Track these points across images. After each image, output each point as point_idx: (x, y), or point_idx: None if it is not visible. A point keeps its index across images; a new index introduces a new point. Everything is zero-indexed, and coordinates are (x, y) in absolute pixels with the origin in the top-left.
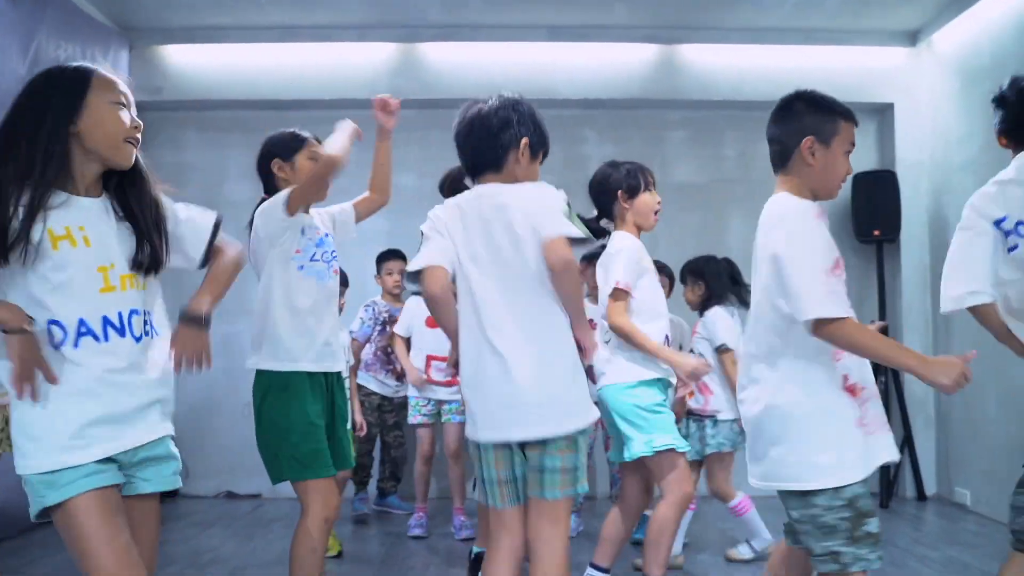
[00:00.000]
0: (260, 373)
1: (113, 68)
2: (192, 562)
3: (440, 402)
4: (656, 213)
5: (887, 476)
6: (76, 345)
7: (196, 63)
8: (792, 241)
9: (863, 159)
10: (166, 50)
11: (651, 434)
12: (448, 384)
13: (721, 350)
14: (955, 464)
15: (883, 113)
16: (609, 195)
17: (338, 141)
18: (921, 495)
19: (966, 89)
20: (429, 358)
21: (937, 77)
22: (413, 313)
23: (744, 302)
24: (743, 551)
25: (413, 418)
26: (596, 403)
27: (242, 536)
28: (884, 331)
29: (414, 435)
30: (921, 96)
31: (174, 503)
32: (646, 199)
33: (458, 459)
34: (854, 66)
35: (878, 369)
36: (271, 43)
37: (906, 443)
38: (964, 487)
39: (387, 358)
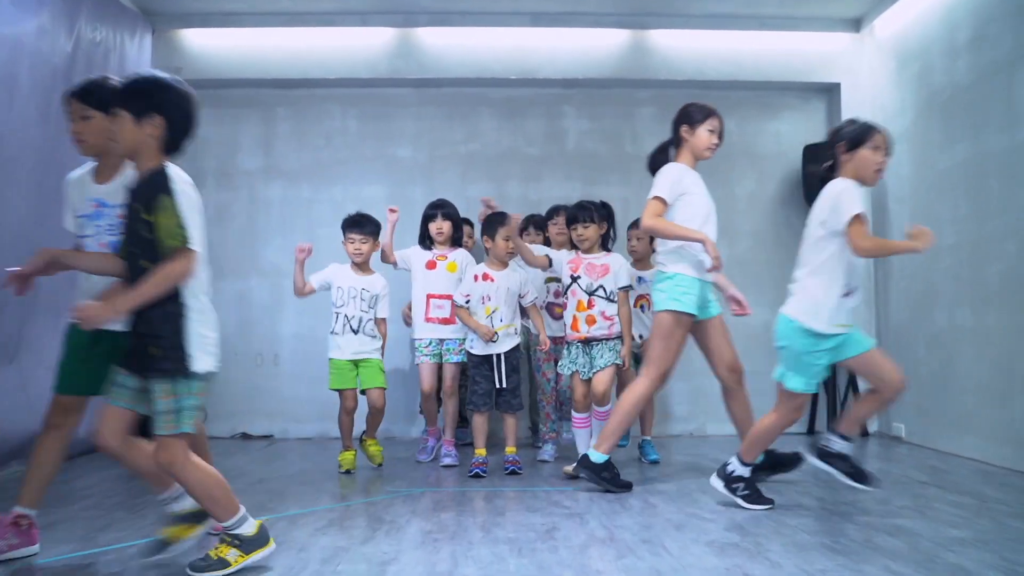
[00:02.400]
0: None
1: (138, 50)
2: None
3: (441, 341)
4: (878, 171)
5: (835, 415)
6: None
7: (212, 45)
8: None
9: (813, 133)
10: (185, 33)
11: None
12: (446, 322)
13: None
14: None
15: (831, 92)
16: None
17: None
18: (864, 432)
19: (900, 69)
20: (429, 296)
21: (877, 59)
22: (412, 259)
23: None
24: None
25: (417, 358)
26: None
27: (260, 462)
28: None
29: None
30: (863, 76)
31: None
32: (864, 154)
33: (452, 396)
34: (804, 50)
35: None
36: (280, 27)
37: (850, 385)
38: (899, 422)
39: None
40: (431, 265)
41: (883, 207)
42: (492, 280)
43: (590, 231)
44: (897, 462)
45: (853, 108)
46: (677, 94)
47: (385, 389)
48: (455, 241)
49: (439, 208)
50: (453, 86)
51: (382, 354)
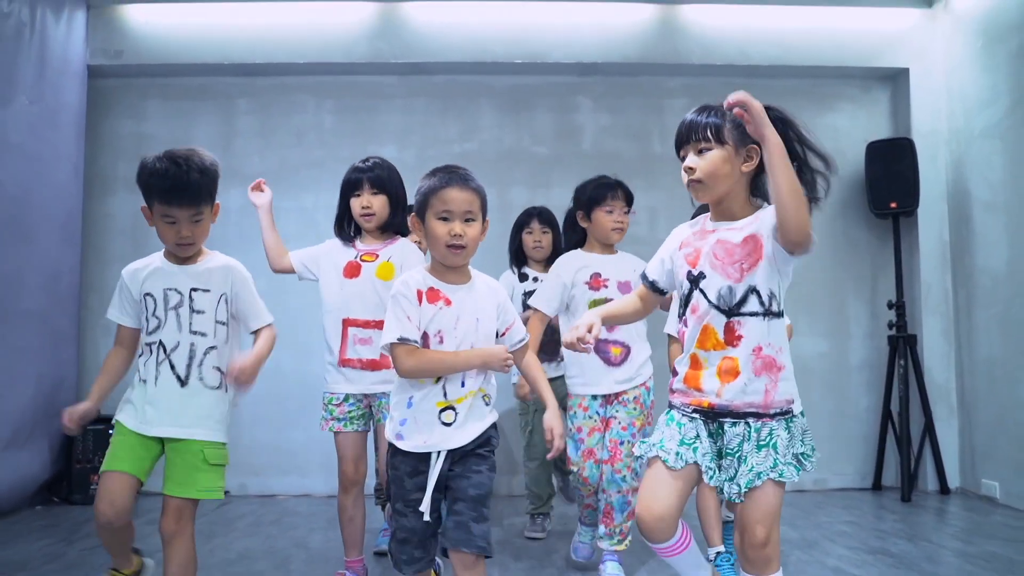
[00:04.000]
0: None
1: (67, 28)
2: None
3: (366, 397)
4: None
5: (908, 469)
6: None
7: (160, 24)
8: None
9: (876, 128)
10: (127, 9)
11: None
12: (375, 366)
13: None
14: (981, 455)
15: (896, 79)
16: None
17: None
18: (944, 488)
19: (988, 49)
20: (346, 323)
21: (955, 39)
22: (320, 261)
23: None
24: None
25: (325, 423)
26: None
27: (220, 526)
28: (902, 307)
29: None
30: (937, 60)
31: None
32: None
33: None
34: (866, 29)
35: (895, 353)
36: (242, 2)
37: (927, 432)
38: (992, 479)
39: None
40: (352, 270)
41: (966, 217)
42: (449, 304)
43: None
44: (985, 533)
45: (925, 98)
46: (714, 82)
47: None
48: (393, 228)
49: (365, 172)
50: (446, 73)
51: None
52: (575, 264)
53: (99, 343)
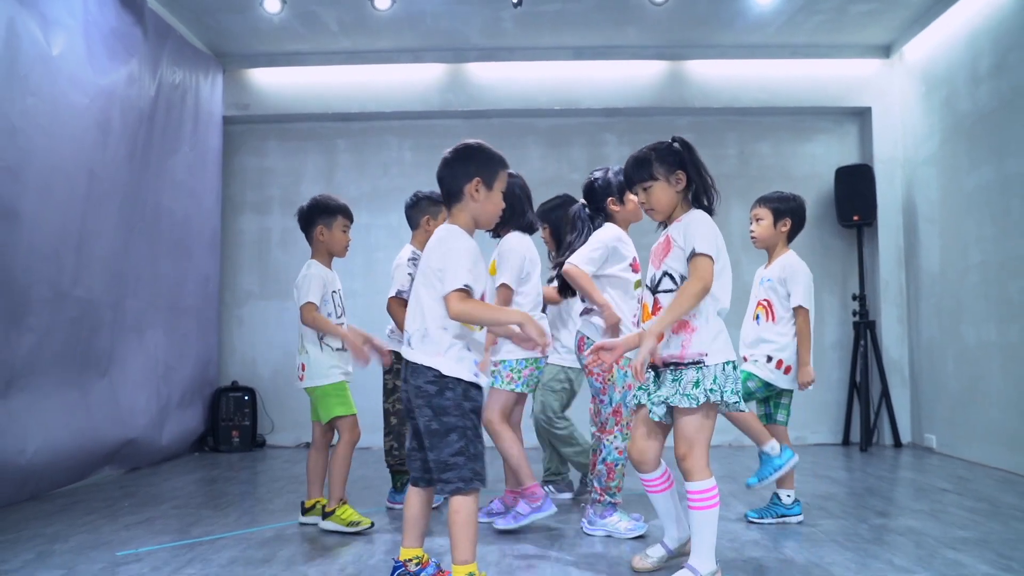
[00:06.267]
0: None
1: (211, 89)
2: (294, 479)
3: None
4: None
5: (867, 427)
6: None
7: (278, 83)
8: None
9: (845, 155)
10: (253, 73)
11: None
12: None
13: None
14: (924, 415)
15: (862, 115)
16: None
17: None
18: (897, 442)
19: (928, 94)
20: None
21: (906, 84)
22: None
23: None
24: None
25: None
26: None
27: None
28: (863, 300)
29: None
30: (894, 100)
31: (263, 451)
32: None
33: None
34: (836, 75)
35: (859, 335)
36: (341, 65)
37: (883, 398)
38: (931, 433)
39: None
40: None
41: (914, 228)
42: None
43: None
44: (925, 471)
45: (884, 131)
46: (713, 120)
47: None
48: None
49: None
50: (501, 117)
51: None
52: (628, 239)
53: (233, 330)
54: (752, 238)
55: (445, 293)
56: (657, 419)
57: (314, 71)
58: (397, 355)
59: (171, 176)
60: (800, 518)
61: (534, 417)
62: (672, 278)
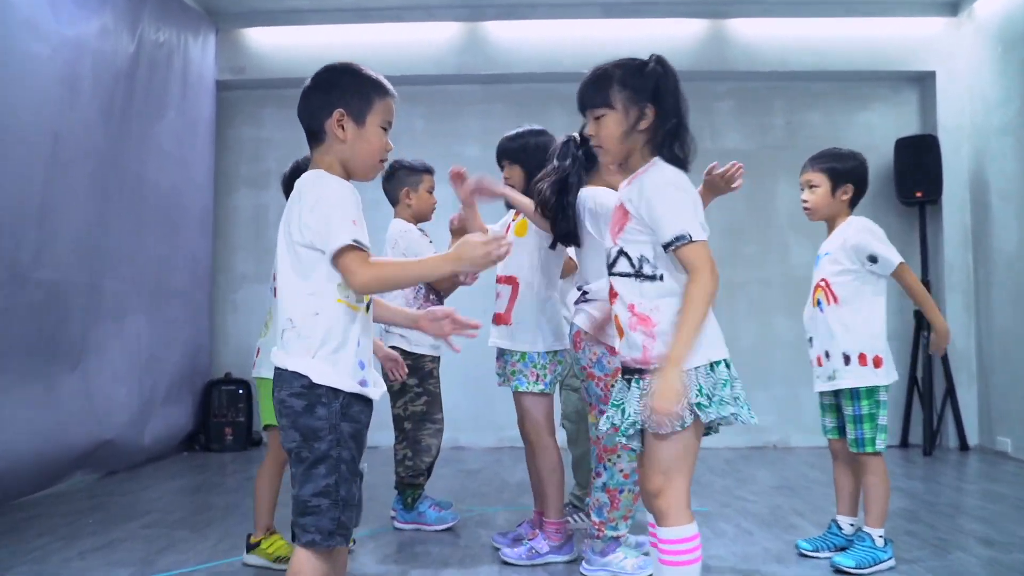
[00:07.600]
0: None
1: (202, 50)
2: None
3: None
4: None
5: (930, 427)
6: None
7: (277, 44)
8: None
9: (904, 125)
10: (249, 32)
11: None
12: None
13: None
14: (996, 415)
15: (924, 81)
16: None
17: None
18: (964, 445)
19: (1005, 55)
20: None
21: (977, 45)
22: None
23: None
24: None
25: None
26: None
27: None
28: (927, 286)
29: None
30: (961, 63)
31: (259, 451)
32: None
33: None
34: (896, 36)
35: (920, 326)
36: (345, 24)
37: (948, 396)
38: (1005, 436)
39: None
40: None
41: (985, 204)
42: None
43: None
44: (1007, 483)
45: (950, 97)
46: (758, 87)
47: None
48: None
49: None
50: (522, 82)
51: None
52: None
53: (227, 317)
54: (805, 209)
55: (332, 257)
56: (635, 449)
57: (316, 31)
58: (401, 349)
59: (156, 144)
60: (892, 563)
61: (563, 424)
62: (629, 259)
